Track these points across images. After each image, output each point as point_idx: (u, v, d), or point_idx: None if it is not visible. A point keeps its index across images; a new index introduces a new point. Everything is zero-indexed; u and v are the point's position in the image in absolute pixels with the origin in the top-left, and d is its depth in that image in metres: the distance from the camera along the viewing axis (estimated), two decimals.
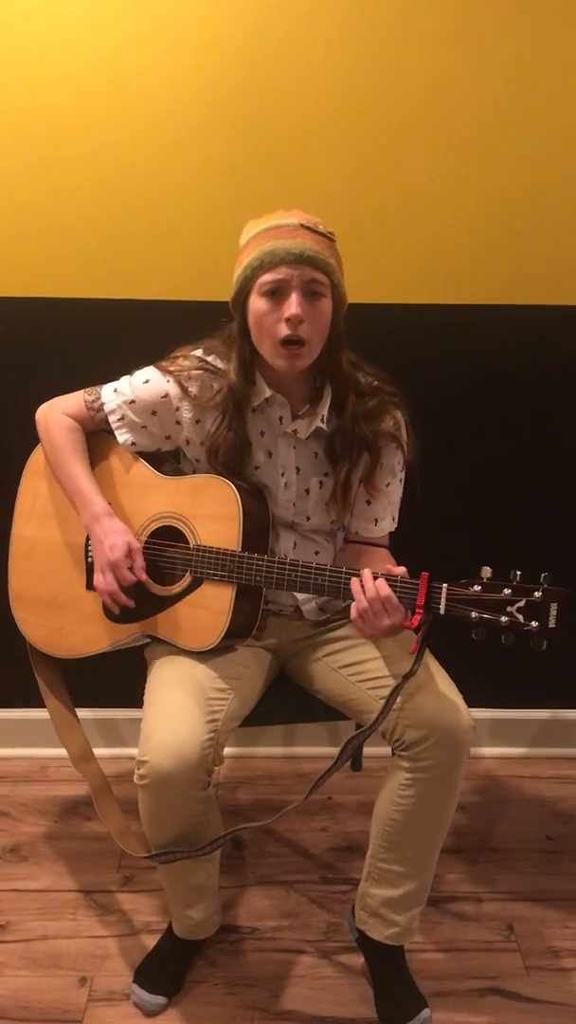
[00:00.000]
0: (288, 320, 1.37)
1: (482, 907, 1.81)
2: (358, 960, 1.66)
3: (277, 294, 1.38)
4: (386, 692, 1.41)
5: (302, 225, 1.39)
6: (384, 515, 1.60)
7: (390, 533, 1.63)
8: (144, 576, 1.51)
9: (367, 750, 2.11)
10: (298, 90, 1.76)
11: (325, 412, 1.51)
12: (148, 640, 1.60)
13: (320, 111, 1.78)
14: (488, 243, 1.87)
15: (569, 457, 2.03)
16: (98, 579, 1.51)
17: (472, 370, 1.95)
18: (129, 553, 1.49)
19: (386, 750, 1.49)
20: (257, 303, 1.40)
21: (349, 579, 1.39)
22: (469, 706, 1.45)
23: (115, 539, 1.49)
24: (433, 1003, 1.58)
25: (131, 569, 1.50)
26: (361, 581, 1.36)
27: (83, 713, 1.76)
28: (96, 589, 1.52)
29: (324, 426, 1.52)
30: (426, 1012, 1.55)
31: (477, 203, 1.84)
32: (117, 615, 1.56)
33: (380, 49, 1.75)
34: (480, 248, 1.87)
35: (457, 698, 1.45)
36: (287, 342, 1.39)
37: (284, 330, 1.38)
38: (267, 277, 1.38)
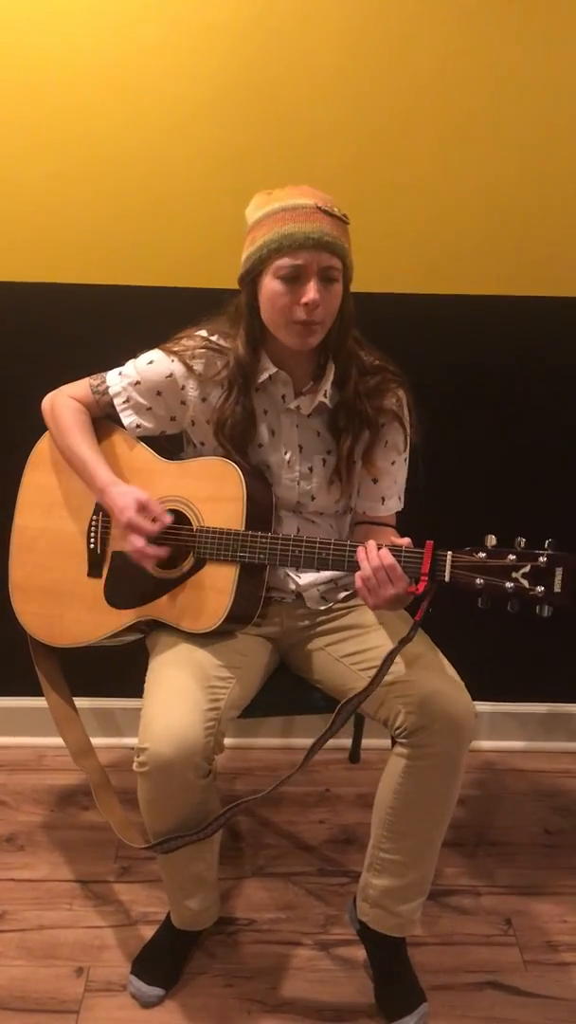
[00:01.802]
0: (306, 305, 1.37)
1: (480, 901, 1.81)
2: (355, 952, 1.66)
3: (293, 279, 1.37)
4: (388, 682, 1.40)
5: (318, 208, 1.37)
6: (390, 494, 1.59)
7: (397, 513, 1.62)
8: (168, 519, 1.46)
9: (365, 743, 2.11)
10: (301, 75, 1.75)
11: (328, 388, 1.50)
12: (144, 634, 1.59)
13: (323, 97, 1.76)
14: (492, 233, 1.85)
15: (572, 450, 2.02)
16: (128, 544, 1.46)
17: (475, 361, 1.94)
18: (141, 506, 1.45)
19: (385, 742, 1.48)
20: (272, 284, 1.39)
21: (353, 551, 1.39)
22: None
23: (123, 500, 1.46)
24: (431, 996, 1.57)
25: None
26: (365, 550, 1.36)
27: (81, 703, 1.75)
28: (131, 553, 1.47)
29: (327, 401, 1.51)
30: (424, 1007, 1.55)
31: (481, 193, 1.83)
32: (120, 600, 1.54)
33: (384, 36, 1.73)
34: (484, 238, 1.85)
35: (459, 684, 1.45)
36: (302, 323, 1.39)
37: (301, 314, 1.38)
38: (284, 261, 1.37)
